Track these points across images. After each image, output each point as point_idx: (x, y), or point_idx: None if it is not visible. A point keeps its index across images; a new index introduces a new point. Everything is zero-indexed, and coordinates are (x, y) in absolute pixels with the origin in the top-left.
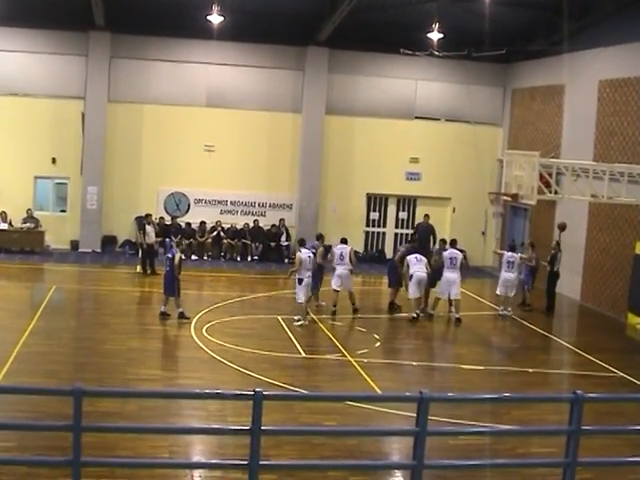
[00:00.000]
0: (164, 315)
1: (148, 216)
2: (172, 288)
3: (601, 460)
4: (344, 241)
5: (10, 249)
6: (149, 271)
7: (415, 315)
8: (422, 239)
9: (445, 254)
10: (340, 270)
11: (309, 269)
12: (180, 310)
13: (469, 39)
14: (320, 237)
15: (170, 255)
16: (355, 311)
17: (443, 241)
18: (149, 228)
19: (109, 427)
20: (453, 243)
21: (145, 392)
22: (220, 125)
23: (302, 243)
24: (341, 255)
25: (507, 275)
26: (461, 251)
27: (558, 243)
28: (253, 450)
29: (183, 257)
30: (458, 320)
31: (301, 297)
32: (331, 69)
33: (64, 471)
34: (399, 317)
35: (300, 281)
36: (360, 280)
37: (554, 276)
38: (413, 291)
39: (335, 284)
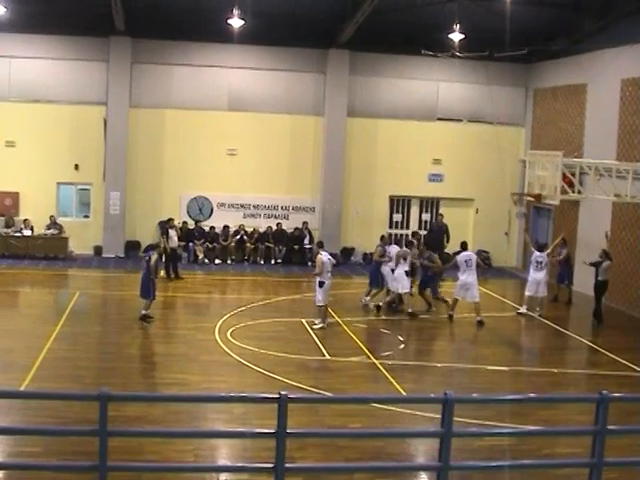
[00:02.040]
0: (146, 318)
1: (170, 220)
2: (147, 290)
3: (627, 460)
4: (465, 246)
5: (34, 255)
6: (173, 275)
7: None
8: (436, 239)
9: (459, 257)
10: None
11: (329, 271)
12: (145, 312)
13: (490, 39)
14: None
15: (146, 257)
16: (480, 324)
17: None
18: (172, 232)
19: (135, 432)
20: (464, 246)
21: (170, 396)
22: (242, 129)
23: (321, 245)
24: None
25: (536, 275)
26: (484, 252)
27: (605, 252)
28: (279, 453)
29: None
30: (480, 323)
31: (320, 300)
32: (352, 71)
33: (90, 476)
34: (423, 319)
35: (321, 284)
36: None
37: (598, 285)
38: (395, 288)
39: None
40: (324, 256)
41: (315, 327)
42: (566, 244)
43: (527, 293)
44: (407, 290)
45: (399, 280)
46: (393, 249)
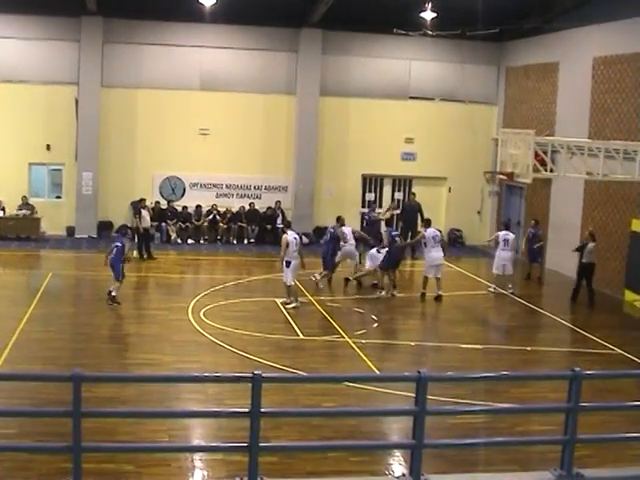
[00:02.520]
0: (114, 299)
1: (142, 200)
2: (118, 272)
3: (600, 437)
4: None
5: (6, 236)
6: (145, 256)
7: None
8: (409, 218)
9: (427, 233)
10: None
11: (295, 250)
12: (114, 294)
13: (462, 18)
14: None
15: (120, 244)
16: (439, 298)
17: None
18: (144, 212)
19: (108, 412)
20: (429, 223)
21: (144, 377)
22: (214, 108)
23: (288, 225)
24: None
25: (503, 254)
26: (457, 231)
27: (591, 233)
28: (253, 432)
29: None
30: (439, 298)
31: (289, 279)
32: (325, 50)
33: (64, 457)
34: (398, 297)
35: (288, 264)
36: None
37: (582, 267)
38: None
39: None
40: (289, 235)
41: (288, 307)
42: (538, 224)
43: (494, 272)
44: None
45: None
46: (347, 230)
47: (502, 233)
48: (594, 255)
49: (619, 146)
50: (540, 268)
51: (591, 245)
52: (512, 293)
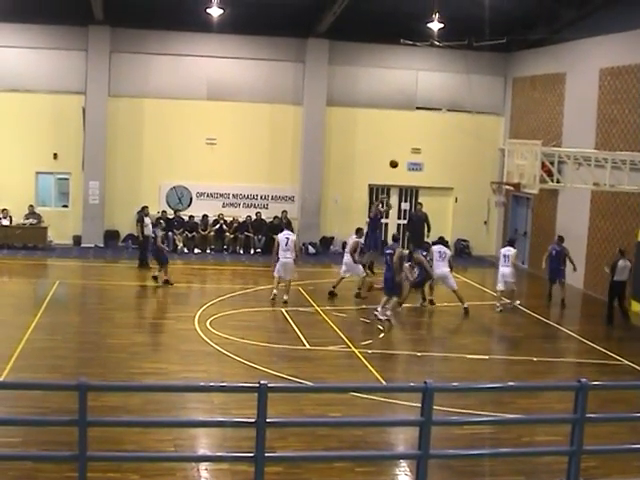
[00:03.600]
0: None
1: (145, 208)
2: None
3: (606, 448)
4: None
5: (13, 245)
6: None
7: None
8: (416, 228)
9: (433, 248)
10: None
11: (286, 250)
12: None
13: (469, 28)
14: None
15: (153, 235)
16: (466, 312)
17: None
18: (147, 220)
19: (114, 421)
20: (442, 241)
21: (150, 386)
22: (221, 118)
23: (287, 225)
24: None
25: (502, 269)
26: (464, 241)
27: (621, 251)
28: (259, 442)
29: None
30: (466, 311)
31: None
32: (331, 61)
33: (70, 466)
34: (405, 308)
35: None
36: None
37: (612, 286)
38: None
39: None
40: (281, 235)
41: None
42: (563, 241)
43: (497, 288)
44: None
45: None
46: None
47: (503, 249)
48: (627, 273)
49: (626, 157)
50: (563, 289)
51: (622, 262)
52: (519, 304)
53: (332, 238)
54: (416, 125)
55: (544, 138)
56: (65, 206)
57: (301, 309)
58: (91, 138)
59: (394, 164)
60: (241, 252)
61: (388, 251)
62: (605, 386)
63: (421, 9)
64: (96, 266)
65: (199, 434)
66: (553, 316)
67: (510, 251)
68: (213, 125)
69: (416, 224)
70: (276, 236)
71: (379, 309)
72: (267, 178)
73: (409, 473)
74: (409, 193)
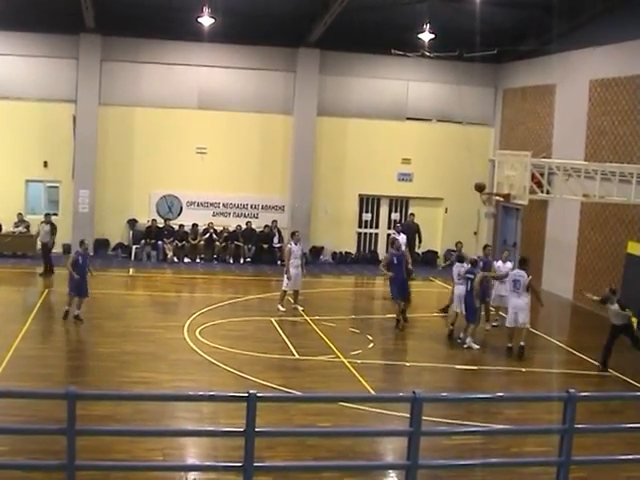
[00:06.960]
0: (76, 318)
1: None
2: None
3: (594, 458)
4: (523, 265)
5: (2, 253)
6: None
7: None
8: (407, 239)
9: (511, 273)
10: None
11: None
12: (78, 312)
13: (460, 39)
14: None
15: (81, 260)
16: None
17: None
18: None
19: (103, 430)
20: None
21: (139, 395)
22: (212, 127)
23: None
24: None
25: (515, 301)
26: (453, 252)
27: (613, 291)
28: (247, 452)
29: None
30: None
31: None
32: (322, 70)
33: (58, 475)
34: (392, 318)
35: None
36: (352, 281)
37: (612, 330)
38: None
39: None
40: (293, 246)
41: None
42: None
43: (507, 324)
44: None
45: None
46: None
47: (513, 273)
48: (622, 318)
49: (615, 168)
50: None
51: (613, 308)
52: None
53: (322, 248)
54: (406, 135)
55: (534, 149)
56: (55, 214)
57: (291, 319)
58: (81, 146)
59: (481, 187)
60: (231, 261)
61: (469, 275)
62: (593, 397)
63: (412, 20)
64: None
65: (188, 443)
66: (541, 327)
67: (522, 277)
68: (204, 134)
69: (408, 234)
70: (289, 246)
71: (467, 339)
72: (257, 187)
73: None
74: (399, 203)
